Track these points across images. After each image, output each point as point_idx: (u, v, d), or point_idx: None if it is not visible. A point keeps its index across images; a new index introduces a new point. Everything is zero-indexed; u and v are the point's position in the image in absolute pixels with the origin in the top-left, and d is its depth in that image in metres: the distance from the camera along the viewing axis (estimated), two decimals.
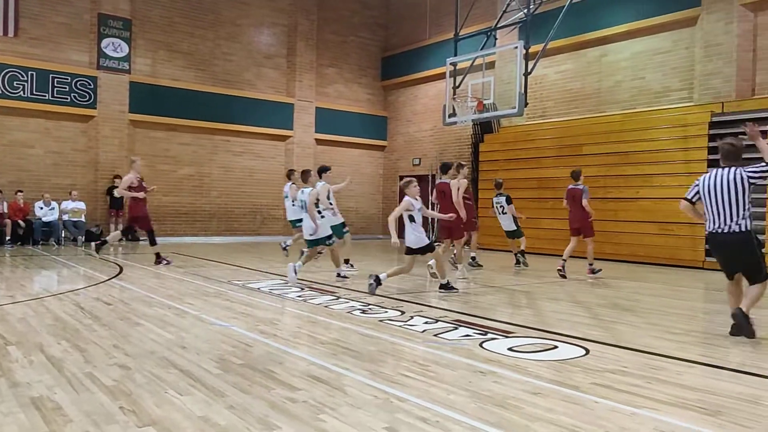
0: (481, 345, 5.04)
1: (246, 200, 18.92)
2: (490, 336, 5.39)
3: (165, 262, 10.79)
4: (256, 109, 18.90)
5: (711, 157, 12.25)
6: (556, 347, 5.05)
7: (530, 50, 11.87)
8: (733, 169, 5.43)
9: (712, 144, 12.29)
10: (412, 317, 6.21)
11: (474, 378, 4.07)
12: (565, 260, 10.13)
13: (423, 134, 20.40)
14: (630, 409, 3.49)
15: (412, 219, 7.77)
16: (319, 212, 9.11)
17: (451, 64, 13.56)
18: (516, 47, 12.16)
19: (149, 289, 7.93)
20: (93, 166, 16.35)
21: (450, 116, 13.47)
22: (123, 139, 16.69)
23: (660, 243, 12.70)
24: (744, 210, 5.37)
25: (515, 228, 11.62)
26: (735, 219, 5.37)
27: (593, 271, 10.29)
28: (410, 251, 7.85)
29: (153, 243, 11.02)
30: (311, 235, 8.90)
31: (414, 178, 8.11)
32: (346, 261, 10.26)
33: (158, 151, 17.41)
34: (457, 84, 13.67)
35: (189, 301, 6.99)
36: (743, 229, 5.37)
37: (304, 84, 19.88)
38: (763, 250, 5.94)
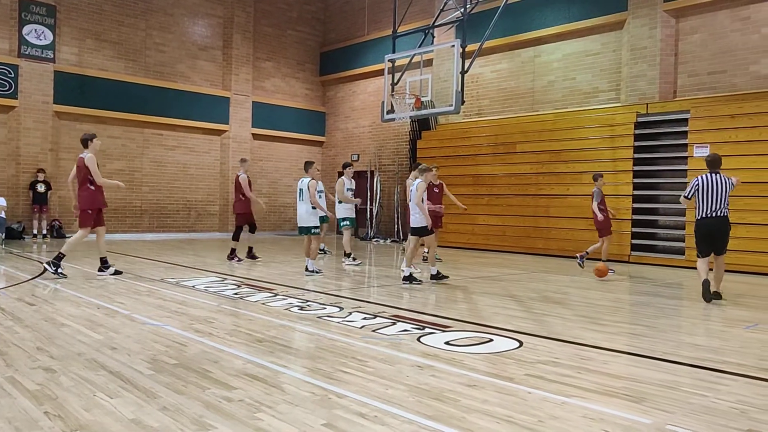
0: (418, 339, 5.11)
1: (179, 196, 18.41)
2: (427, 330, 5.47)
3: (237, 259, 11.09)
4: (191, 102, 18.39)
5: (637, 155, 12.83)
6: (491, 340, 5.18)
7: (467, 49, 12.07)
8: (721, 174, 7.50)
9: (637, 143, 12.87)
10: (350, 313, 6.22)
11: (412, 372, 4.12)
12: (589, 256, 10.78)
13: (361, 130, 20.40)
14: (560, 398, 3.62)
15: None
16: (313, 208, 9.78)
17: (389, 60, 13.61)
18: (453, 46, 12.34)
19: (76, 288, 7.60)
20: (14, 160, 15.50)
21: (388, 113, 13.53)
22: (47, 132, 15.90)
23: (588, 238, 13.15)
24: (727, 203, 7.46)
25: None
26: (721, 208, 7.43)
27: (606, 263, 10.16)
28: (413, 231, 8.85)
29: (236, 238, 11.32)
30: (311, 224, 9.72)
31: (424, 165, 8.90)
32: (348, 255, 11.02)
33: None
34: (395, 81, 13.74)
35: (119, 301, 6.75)
36: (725, 214, 7.48)
37: (241, 77, 19.50)
38: None
